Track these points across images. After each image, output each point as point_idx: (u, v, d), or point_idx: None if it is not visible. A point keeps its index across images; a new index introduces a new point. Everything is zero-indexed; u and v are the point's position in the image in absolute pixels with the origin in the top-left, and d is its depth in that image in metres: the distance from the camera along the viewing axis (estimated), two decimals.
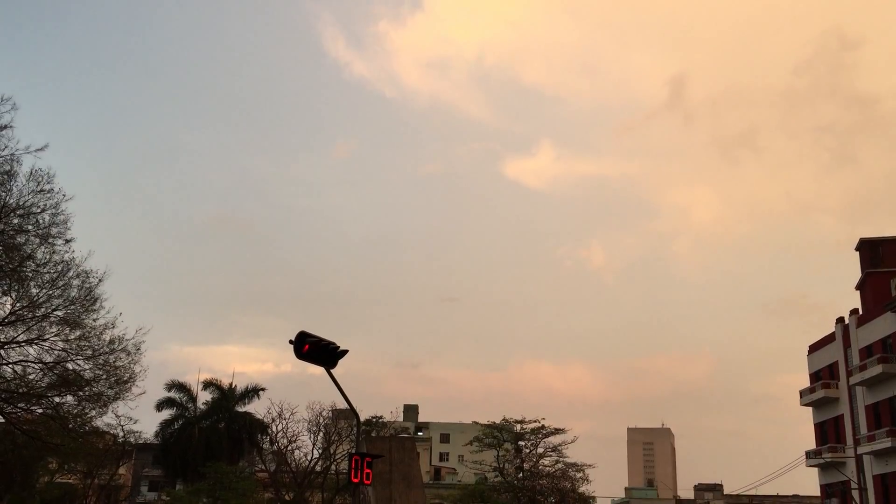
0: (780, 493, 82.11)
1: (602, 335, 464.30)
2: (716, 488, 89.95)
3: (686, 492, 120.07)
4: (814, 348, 59.62)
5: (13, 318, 29.38)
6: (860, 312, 54.26)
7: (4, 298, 29.49)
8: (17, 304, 29.41)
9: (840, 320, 55.87)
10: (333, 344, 18.54)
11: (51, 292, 29.61)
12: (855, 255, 56.81)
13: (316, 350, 18.32)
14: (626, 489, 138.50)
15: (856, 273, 56.64)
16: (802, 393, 58.92)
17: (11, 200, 28.23)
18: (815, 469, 57.51)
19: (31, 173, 28.34)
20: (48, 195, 28.54)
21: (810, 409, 58.86)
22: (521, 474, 56.44)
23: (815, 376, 58.53)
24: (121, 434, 60.50)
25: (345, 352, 18.78)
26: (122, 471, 72.70)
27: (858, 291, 56.11)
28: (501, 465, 58.21)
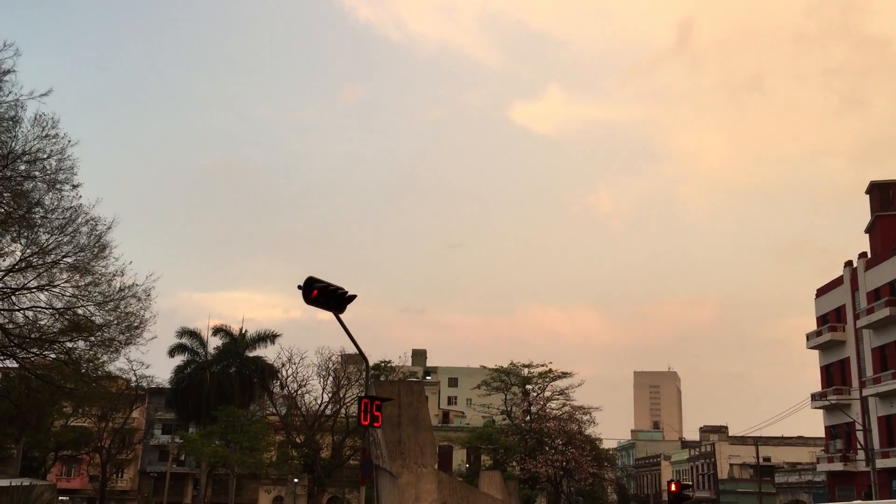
0: (784, 435, 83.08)
1: (609, 280, 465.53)
2: (721, 430, 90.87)
3: (691, 434, 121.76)
4: (821, 292, 59.66)
5: (23, 264, 29.57)
6: (869, 256, 54.16)
7: (14, 245, 29.65)
8: (27, 251, 29.57)
9: (848, 263, 55.79)
10: (342, 289, 18.55)
11: (60, 239, 29.73)
12: (865, 199, 56.49)
13: (324, 295, 18.33)
14: (632, 431, 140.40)
15: (866, 216, 56.39)
16: (809, 336, 59.15)
17: (17, 147, 28.18)
18: (821, 411, 58.00)
19: (36, 118, 28.23)
20: (53, 140, 28.47)
21: (816, 352, 59.13)
22: (528, 417, 57.19)
23: (821, 320, 58.67)
24: (133, 378, 61.23)
25: (353, 297, 18.80)
26: (135, 414, 73.95)
27: (868, 235, 55.92)
28: (509, 409, 58.94)
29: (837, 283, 57.27)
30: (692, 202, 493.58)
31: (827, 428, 57.97)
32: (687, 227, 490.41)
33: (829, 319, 57.31)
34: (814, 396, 57.68)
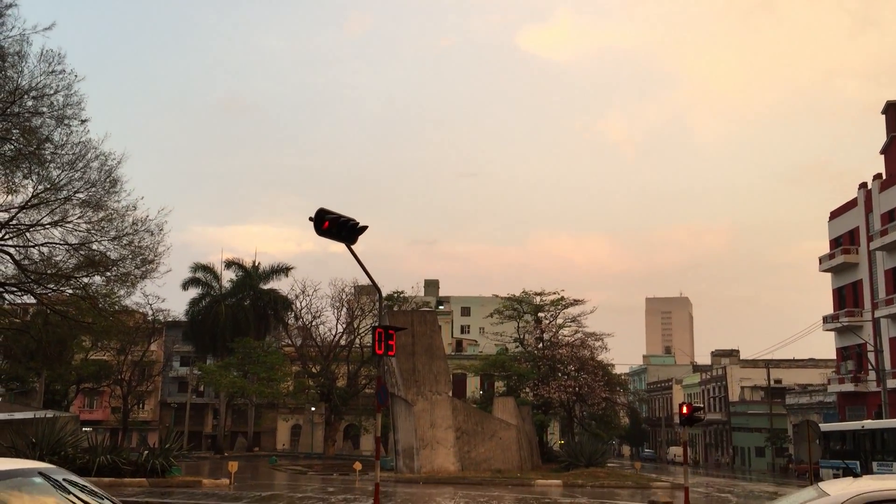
0: (796, 357, 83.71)
1: (621, 207, 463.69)
2: (732, 354, 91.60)
3: (703, 358, 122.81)
4: (835, 214, 59.30)
5: (36, 201, 29.70)
6: (884, 177, 53.63)
7: (26, 181, 29.74)
8: (39, 187, 29.68)
9: (863, 185, 55.30)
10: (353, 220, 18.53)
11: (71, 174, 29.78)
12: (881, 119, 55.64)
13: (335, 226, 18.33)
14: (643, 357, 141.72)
15: (881, 138, 55.64)
16: (822, 259, 59.03)
17: (24, 82, 28.04)
18: (832, 333, 58.26)
19: (42, 54, 28.02)
20: (60, 76, 28.29)
21: (829, 275, 59.08)
22: (540, 344, 57.68)
23: (835, 242, 58.46)
24: (150, 312, 62.14)
25: (364, 228, 18.78)
26: (153, 347, 75.07)
27: (883, 156, 55.27)
28: (522, 336, 59.43)
29: (851, 205, 56.86)
30: (704, 127, 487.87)
31: (838, 350, 58.31)
32: (699, 152, 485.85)
33: (843, 242, 57.08)
34: (826, 319, 57.86)
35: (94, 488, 8.83)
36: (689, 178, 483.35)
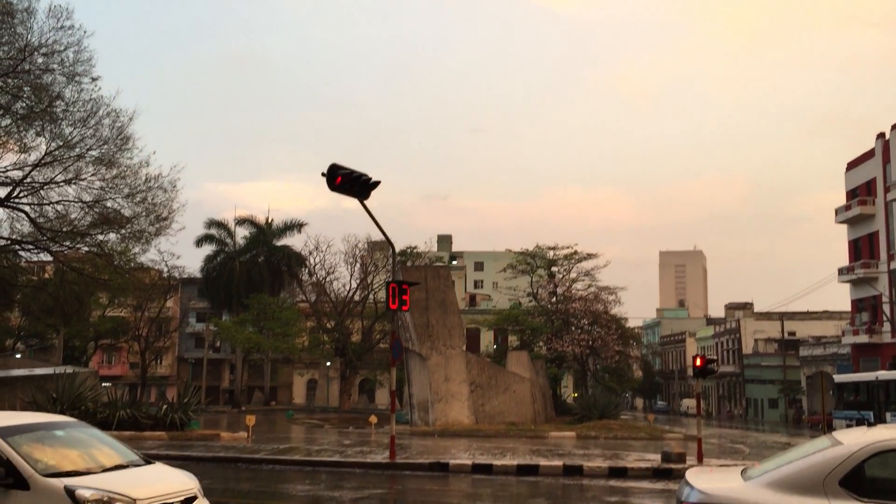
0: (810, 310, 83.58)
1: (635, 161, 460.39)
2: (746, 307, 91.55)
3: (717, 311, 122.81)
4: (852, 165, 58.67)
5: (49, 158, 29.80)
6: None
7: (39, 139, 29.82)
8: (52, 145, 29.76)
9: (881, 135, 54.57)
10: (365, 175, 18.52)
11: (83, 132, 29.82)
12: None
13: (348, 181, 18.33)
14: (657, 310, 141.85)
15: None
16: (838, 211, 58.57)
17: (33, 39, 27.97)
18: (847, 285, 58.05)
19: (50, 9, 27.90)
20: (69, 32, 28.20)
21: (845, 227, 58.69)
22: (554, 299, 57.77)
23: (851, 193, 57.94)
24: (165, 269, 62.52)
25: (377, 183, 18.79)
26: (169, 304, 75.76)
27: None
28: (535, 291, 59.54)
29: (869, 155, 56.21)
30: (719, 78, 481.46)
31: (853, 301, 58.15)
32: (714, 104, 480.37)
33: (859, 193, 56.57)
34: (841, 271, 57.60)
35: (115, 441, 8.98)
36: (703, 130, 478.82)
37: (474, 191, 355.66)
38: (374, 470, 19.02)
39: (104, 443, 8.64)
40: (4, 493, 7.15)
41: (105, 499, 7.10)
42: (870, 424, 6.98)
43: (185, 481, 8.03)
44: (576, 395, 66.44)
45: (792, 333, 77.44)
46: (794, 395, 71.32)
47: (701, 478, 6.53)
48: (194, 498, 7.87)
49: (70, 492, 7.08)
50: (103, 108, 30.04)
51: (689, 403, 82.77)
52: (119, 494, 7.19)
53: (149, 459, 8.65)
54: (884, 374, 37.41)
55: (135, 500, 7.21)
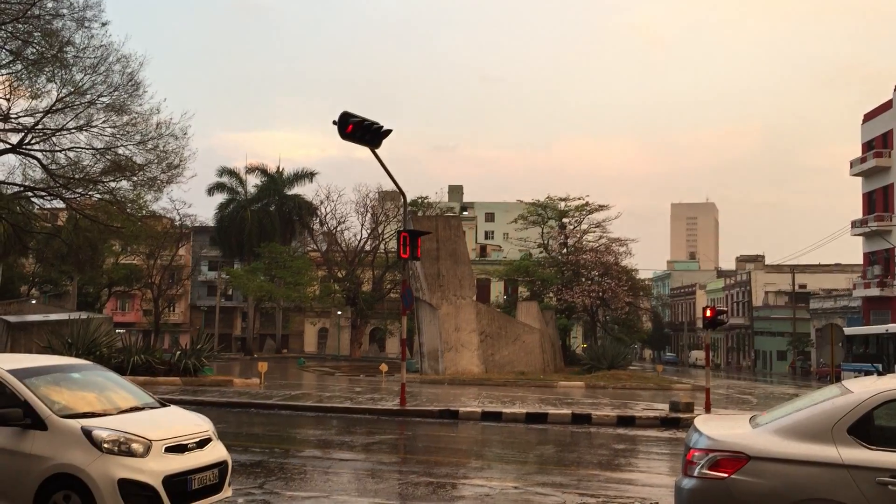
0: (821, 263, 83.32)
1: (648, 110, 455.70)
2: (757, 259, 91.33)
3: (728, 264, 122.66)
4: (868, 117, 57.90)
5: (61, 105, 29.74)
6: None
7: (50, 85, 29.73)
8: (63, 91, 29.68)
9: None
10: (377, 123, 18.42)
11: (94, 78, 29.72)
12: None
13: (360, 130, 18.25)
14: (668, 262, 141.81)
15: None
16: (853, 163, 57.99)
17: None
18: (860, 238, 57.77)
19: None
20: None
21: (859, 179, 58.18)
22: (565, 250, 57.74)
23: (867, 146, 57.29)
24: (177, 217, 62.73)
25: (388, 131, 18.70)
26: (182, 252, 76.17)
27: None
28: (546, 242, 59.51)
29: (886, 107, 55.43)
30: (736, 27, 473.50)
31: (865, 254, 57.92)
32: (729, 53, 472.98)
33: (875, 145, 55.94)
34: (854, 224, 57.26)
35: (130, 384, 9.12)
36: (719, 78, 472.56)
37: (485, 141, 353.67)
38: (385, 416, 19.27)
39: (120, 385, 8.77)
40: (23, 434, 7.29)
41: (121, 439, 7.22)
42: (879, 374, 7.01)
43: (199, 423, 8.16)
44: (585, 345, 66.80)
45: (803, 286, 77.34)
46: (802, 348, 71.50)
47: (709, 424, 6.59)
48: (209, 440, 8.00)
49: (87, 432, 7.20)
50: (113, 53, 29.94)
51: (697, 355, 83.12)
52: (135, 435, 7.31)
53: (164, 402, 8.77)
54: (894, 327, 37.40)
55: (150, 441, 7.33)
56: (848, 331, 41.57)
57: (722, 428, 6.46)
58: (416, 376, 32.00)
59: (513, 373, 34.62)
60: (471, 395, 24.52)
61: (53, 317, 32.03)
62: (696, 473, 6.01)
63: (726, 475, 5.86)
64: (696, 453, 6.09)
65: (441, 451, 14.51)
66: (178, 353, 28.14)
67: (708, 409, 20.47)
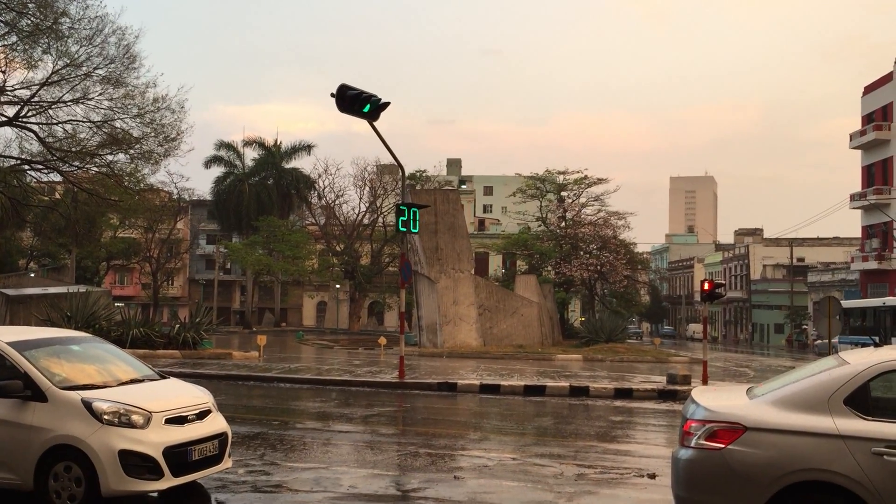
0: (820, 236, 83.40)
1: (648, 84, 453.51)
2: (756, 232, 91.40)
3: (726, 238, 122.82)
4: (868, 90, 57.66)
5: (56, 77, 29.58)
6: None
7: (45, 57, 29.55)
8: (59, 63, 29.52)
9: None
10: (375, 96, 18.32)
11: (89, 50, 29.55)
12: None
13: (358, 102, 18.15)
14: (666, 236, 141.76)
15: None
16: (852, 136, 57.82)
17: None
18: (858, 211, 57.77)
19: None
20: None
21: (859, 152, 58.04)
22: (563, 223, 57.72)
23: (867, 118, 57.10)
24: (175, 191, 62.64)
25: (387, 104, 18.59)
26: (180, 225, 76.08)
27: None
28: (544, 215, 59.46)
29: (886, 79, 55.18)
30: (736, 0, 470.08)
31: (864, 228, 57.94)
32: (730, 26, 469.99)
33: (875, 118, 55.75)
34: (853, 197, 57.22)
35: (130, 356, 9.14)
36: (718, 53, 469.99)
37: (483, 115, 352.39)
38: (384, 389, 19.36)
39: (119, 358, 8.79)
40: (23, 405, 7.31)
41: (122, 411, 7.25)
42: (876, 346, 7.04)
43: (199, 395, 8.19)
44: (583, 319, 66.98)
45: (801, 260, 77.45)
46: (800, 321, 71.75)
47: (706, 396, 6.62)
48: (208, 412, 8.04)
49: (87, 404, 7.22)
50: (109, 25, 29.75)
51: (695, 328, 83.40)
52: (135, 407, 7.34)
53: (163, 374, 8.79)
54: (891, 300, 37.51)
55: (151, 412, 7.36)
56: (845, 304, 41.66)
57: (719, 399, 6.49)
58: (414, 349, 32.10)
59: (511, 346, 34.74)
60: (469, 367, 24.62)
61: (52, 290, 32.02)
62: (692, 444, 6.05)
63: (723, 446, 5.89)
64: (693, 424, 6.12)
65: (439, 423, 14.60)
66: (177, 326, 28.20)
67: (705, 382, 20.58)
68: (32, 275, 52.44)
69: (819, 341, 59.80)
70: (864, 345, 34.79)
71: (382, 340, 34.56)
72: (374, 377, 20.76)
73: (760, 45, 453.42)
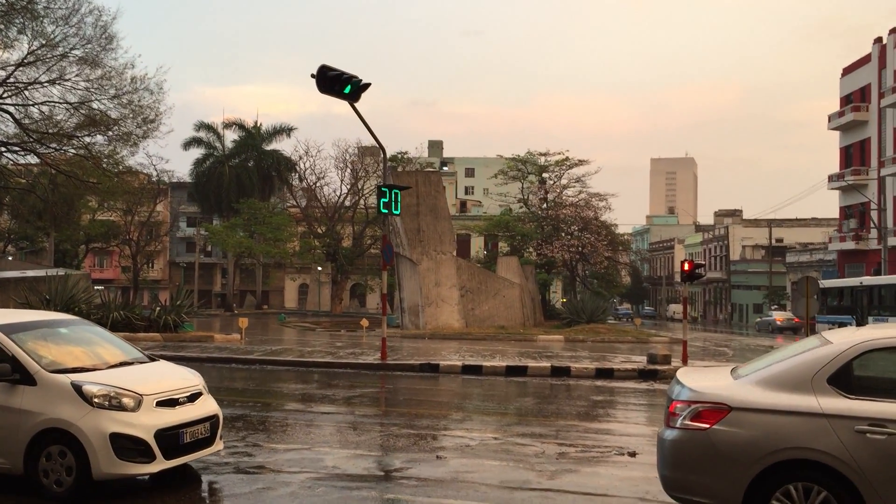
0: (798, 217, 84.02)
1: (628, 66, 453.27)
2: (735, 213, 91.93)
3: (706, 219, 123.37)
4: (847, 70, 57.98)
5: (32, 58, 29.20)
6: None
7: (21, 37, 29.13)
8: (34, 44, 29.13)
9: (878, 40, 53.76)
10: (356, 77, 18.22)
11: (66, 30, 29.18)
12: None
13: (339, 83, 18.04)
14: (647, 217, 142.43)
15: None
16: (831, 117, 58.17)
17: None
18: (836, 192, 58.22)
19: None
20: None
21: (837, 133, 58.41)
22: (545, 205, 57.84)
23: (845, 100, 57.45)
24: (154, 173, 62.11)
25: (367, 85, 18.50)
26: (159, 208, 75.55)
27: None
28: (526, 197, 59.54)
29: (865, 61, 55.50)
30: None
31: (841, 208, 58.45)
32: (710, 8, 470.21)
33: (854, 99, 56.12)
34: (831, 178, 57.66)
35: (118, 339, 9.10)
36: (698, 35, 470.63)
37: (465, 96, 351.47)
38: (366, 370, 19.39)
39: (108, 340, 8.74)
40: (11, 389, 7.25)
41: (112, 394, 7.21)
42: (859, 324, 7.13)
43: (189, 378, 8.17)
44: (564, 300, 67.27)
45: (780, 240, 78.02)
46: (779, 301, 72.39)
47: (691, 376, 6.66)
48: (199, 394, 8.02)
49: (77, 387, 7.18)
50: (85, 5, 29.40)
51: (675, 309, 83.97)
52: (126, 390, 7.30)
53: (153, 357, 8.76)
54: (868, 280, 37.93)
55: (141, 395, 7.33)
56: (823, 283, 42.09)
57: (704, 380, 6.55)
58: (396, 331, 32.15)
59: (493, 327, 34.86)
60: (451, 349, 24.70)
61: (31, 273, 31.73)
62: (678, 424, 6.10)
63: (708, 426, 5.95)
64: (679, 405, 6.17)
65: (422, 403, 14.65)
66: (158, 309, 28.03)
67: (685, 362, 20.76)
68: (10, 258, 52.00)
69: (759, 319, 61.28)
70: (841, 324, 35.21)
71: (365, 322, 34.57)
72: (357, 359, 20.78)
73: (739, 26, 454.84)
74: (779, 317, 57.08)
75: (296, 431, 10.99)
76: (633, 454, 9.55)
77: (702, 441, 5.95)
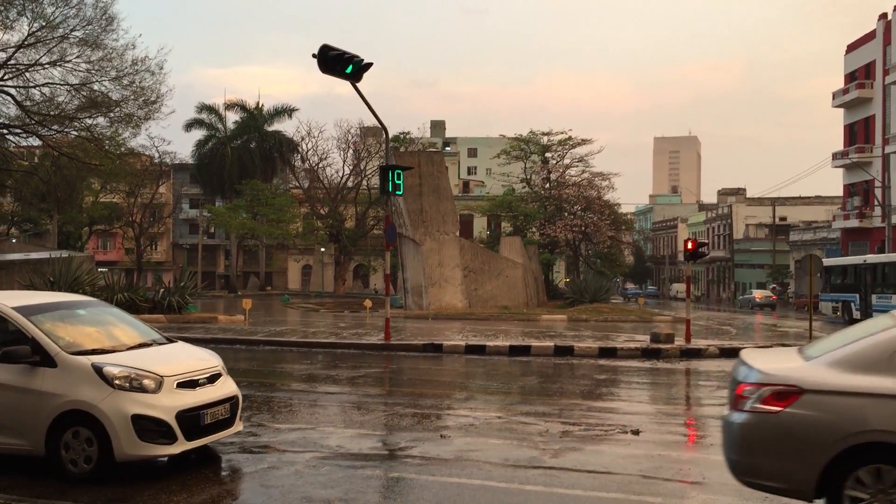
0: (802, 195, 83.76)
1: (632, 45, 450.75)
2: (739, 192, 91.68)
3: (710, 198, 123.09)
4: (852, 47, 57.56)
5: (33, 39, 29.10)
6: None
7: (21, 19, 29.02)
8: (35, 25, 29.01)
9: (882, 16, 53.34)
10: (357, 56, 18.14)
11: (66, 12, 29.08)
12: None
13: (340, 63, 17.97)
14: (650, 196, 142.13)
15: None
16: (835, 94, 57.82)
17: None
18: (840, 170, 58.00)
19: None
20: None
21: (841, 111, 58.08)
22: (547, 184, 57.72)
23: (849, 77, 57.07)
24: (156, 155, 62.07)
25: (369, 64, 18.43)
26: (162, 190, 75.55)
27: None
28: (528, 177, 59.39)
29: (870, 37, 55.09)
30: None
31: (845, 186, 58.25)
32: None
33: (858, 76, 55.76)
34: (835, 155, 57.41)
35: (136, 320, 9.11)
36: (700, 11, 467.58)
37: (467, 76, 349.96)
38: (370, 351, 19.45)
39: (126, 322, 8.75)
40: (31, 371, 7.26)
41: (133, 375, 7.21)
42: (855, 307, 7.06)
43: (208, 359, 8.18)
44: (567, 279, 67.27)
45: (783, 219, 77.88)
46: (782, 279, 72.35)
47: (759, 358, 6.46)
48: (219, 375, 8.02)
49: (98, 369, 7.18)
50: None
51: (678, 288, 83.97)
52: (146, 371, 7.31)
53: (171, 338, 8.76)
54: (871, 258, 37.84)
55: (162, 376, 7.33)
56: (826, 262, 42.01)
57: (772, 361, 6.37)
58: (400, 312, 32.21)
59: (496, 307, 34.90)
60: (455, 329, 24.75)
61: (34, 255, 31.75)
62: (747, 408, 5.95)
63: (780, 409, 5.80)
64: (748, 387, 6.00)
65: (426, 383, 14.71)
66: (162, 290, 28.09)
67: (688, 341, 20.79)
68: (14, 240, 52.07)
69: (741, 297, 62.11)
70: (844, 302, 35.04)
71: (368, 303, 34.63)
72: (360, 339, 20.84)
73: (743, 2, 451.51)
74: (758, 294, 60.65)
75: (300, 411, 11.04)
76: (636, 432, 9.58)
77: (773, 424, 5.80)
